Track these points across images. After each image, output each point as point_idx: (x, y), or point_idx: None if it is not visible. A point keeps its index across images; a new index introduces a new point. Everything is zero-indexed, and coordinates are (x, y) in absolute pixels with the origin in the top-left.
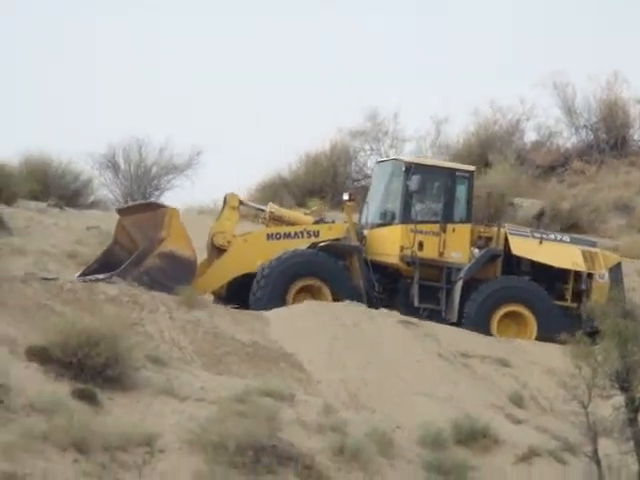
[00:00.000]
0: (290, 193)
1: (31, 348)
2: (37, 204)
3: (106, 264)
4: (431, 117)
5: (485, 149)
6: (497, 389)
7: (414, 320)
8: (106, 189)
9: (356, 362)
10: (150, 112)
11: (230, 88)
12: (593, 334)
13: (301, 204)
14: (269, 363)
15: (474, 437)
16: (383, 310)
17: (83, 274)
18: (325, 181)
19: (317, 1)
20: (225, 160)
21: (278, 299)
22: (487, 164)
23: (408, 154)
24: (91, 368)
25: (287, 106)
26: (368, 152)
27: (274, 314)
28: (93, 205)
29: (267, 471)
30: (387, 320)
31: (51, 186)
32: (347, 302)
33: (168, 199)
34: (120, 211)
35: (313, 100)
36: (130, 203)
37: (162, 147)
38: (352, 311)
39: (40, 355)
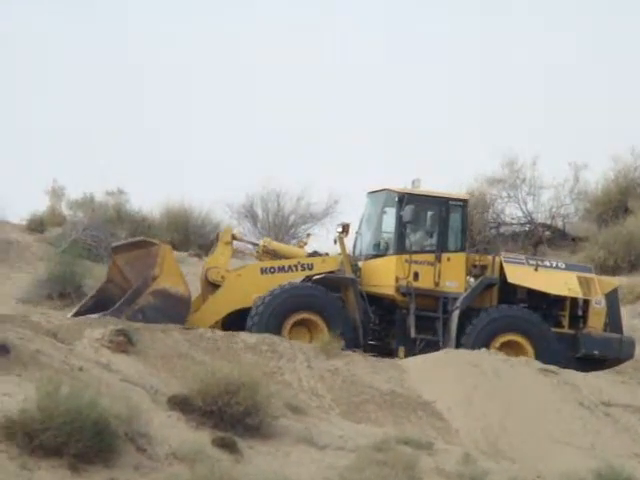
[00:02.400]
0: None
1: (173, 397)
2: (178, 254)
3: (99, 303)
4: (569, 164)
5: (625, 195)
6: None
7: (553, 368)
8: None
9: (495, 411)
10: (288, 161)
11: (363, 136)
12: (588, 360)
13: None
14: (407, 411)
15: None
16: (522, 358)
17: (76, 313)
18: None
19: (446, 51)
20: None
21: (274, 333)
22: (627, 210)
23: (464, 191)
24: (231, 416)
25: (423, 153)
26: (505, 199)
27: (412, 362)
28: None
29: None
30: (526, 368)
31: (191, 236)
32: (483, 350)
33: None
34: (113, 249)
35: (450, 147)
36: (123, 241)
37: (299, 196)
38: (491, 359)
39: (181, 404)
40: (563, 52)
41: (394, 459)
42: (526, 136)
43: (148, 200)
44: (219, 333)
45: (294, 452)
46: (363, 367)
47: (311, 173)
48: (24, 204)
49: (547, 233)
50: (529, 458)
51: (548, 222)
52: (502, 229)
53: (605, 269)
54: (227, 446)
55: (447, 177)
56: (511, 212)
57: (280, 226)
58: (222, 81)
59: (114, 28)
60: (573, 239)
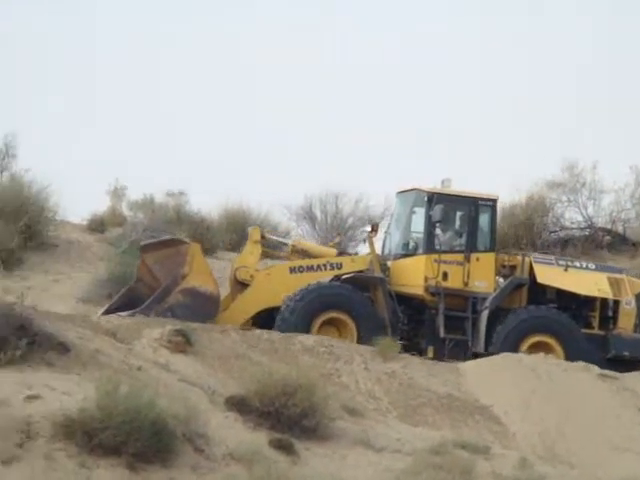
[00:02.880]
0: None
1: (230, 398)
2: (236, 255)
3: (129, 302)
4: (630, 167)
5: None
6: None
7: (612, 373)
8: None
9: (553, 415)
10: (346, 163)
11: (427, 136)
12: (618, 361)
13: None
14: (464, 415)
15: None
16: (580, 363)
17: (106, 312)
18: (520, 232)
19: (496, 50)
20: None
21: (303, 332)
22: None
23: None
24: (288, 418)
25: (481, 157)
26: (565, 204)
27: (468, 366)
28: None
29: None
30: (584, 373)
31: None
32: (542, 355)
33: (364, 250)
34: (142, 248)
35: (508, 150)
36: (151, 240)
37: (358, 199)
38: (548, 364)
39: (239, 405)
40: (627, 53)
41: (451, 463)
42: (587, 140)
43: (207, 201)
44: (276, 334)
45: (351, 454)
46: (420, 370)
47: (370, 175)
48: (85, 204)
49: (607, 238)
50: (587, 464)
51: (608, 227)
52: (562, 233)
53: None
54: (284, 447)
55: (505, 180)
56: (571, 216)
57: (338, 228)
58: (284, 82)
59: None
60: (633, 244)
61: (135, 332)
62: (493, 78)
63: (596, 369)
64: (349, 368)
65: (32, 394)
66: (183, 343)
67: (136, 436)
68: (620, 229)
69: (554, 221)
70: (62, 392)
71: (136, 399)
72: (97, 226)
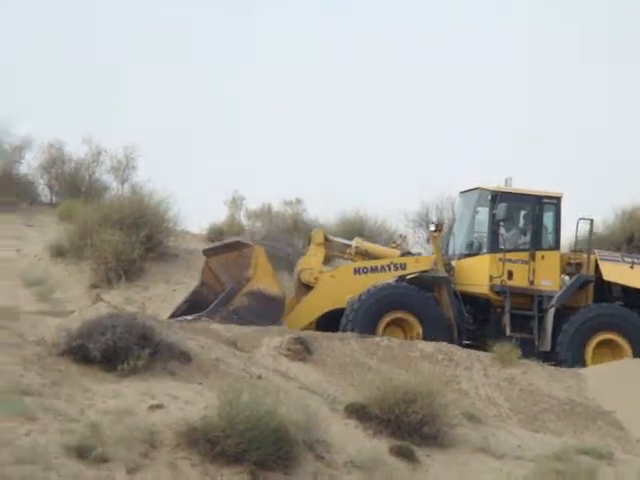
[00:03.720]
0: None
1: (350, 405)
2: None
3: (194, 306)
4: None
5: None
6: None
7: None
8: (419, 247)
9: None
10: (465, 169)
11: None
12: None
13: None
14: (586, 421)
15: None
16: None
17: (172, 315)
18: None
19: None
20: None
21: (368, 333)
22: None
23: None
24: (408, 425)
25: (604, 162)
26: None
27: (590, 371)
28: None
29: None
30: None
31: None
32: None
33: None
34: (206, 252)
35: (631, 154)
36: (215, 244)
37: None
38: None
39: (359, 412)
40: None
41: (574, 469)
42: None
43: (325, 209)
44: (396, 341)
45: (472, 461)
46: (540, 376)
47: (485, 179)
48: (204, 214)
49: None
50: None
51: None
52: None
53: None
54: (404, 455)
55: (627, 186)
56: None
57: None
58: (406, 85)
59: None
60: None
61: (255, 340)
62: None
63: None
64: (468, 374)
65: (155, 403)
66: (302, 351)
67: (258, 444)
68: None
69: None
70: (185, 401)
71: (257, 407)
72: (216, 236)
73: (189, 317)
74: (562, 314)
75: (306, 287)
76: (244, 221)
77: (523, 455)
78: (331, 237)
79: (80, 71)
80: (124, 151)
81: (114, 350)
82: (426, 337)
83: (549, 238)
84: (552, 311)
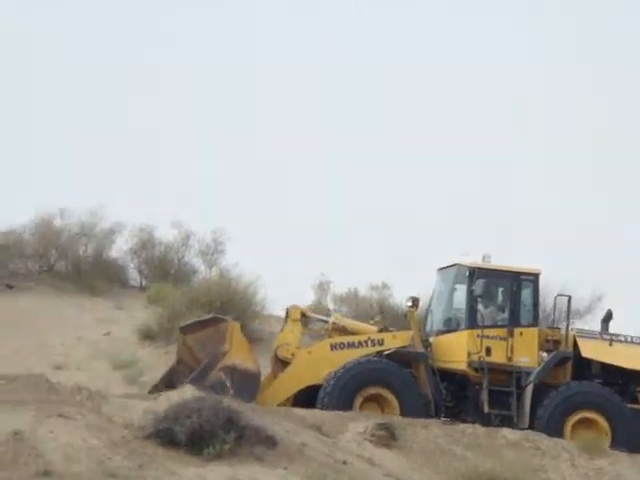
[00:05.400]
0: None
1: None
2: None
3: (170, 383)
4: None
5: None
6: None
7: None
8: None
9: None
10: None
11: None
12: None
13: None
14: None
15: None
16: None
17: (150, 392)
18: None
19: None
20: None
21: (345, 408)
22: None
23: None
24: None
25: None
26: None
27: None
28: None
29: None
30: None
31: None
32: None
33: None
34: (182, 329)
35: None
36: (191, 320)
37: (560, 290)
38: None
39: None
40: None
41: None
42: None
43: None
44: (480, 429)
45: None
46: (629, 467)
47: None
48: (289, 298)
49: None
50: None
51: None
52: None
53: None
54: None
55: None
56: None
57: (545, 320)
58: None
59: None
60: None
61: (340, 426)
62: None
63: None
64: (555, 464)
65: None
66: (387, 437)
67: None
68: None
69: None
70: None
71: None
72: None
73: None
74: (541, 391)
75: (283, 363)
76: (330, 305)
77: None
78: (309, 313)
79: (170, 157)
80: (212, 235)
81: (200, 434)
82: (403, 413)
83: (527, 314)
84: (530, 388)
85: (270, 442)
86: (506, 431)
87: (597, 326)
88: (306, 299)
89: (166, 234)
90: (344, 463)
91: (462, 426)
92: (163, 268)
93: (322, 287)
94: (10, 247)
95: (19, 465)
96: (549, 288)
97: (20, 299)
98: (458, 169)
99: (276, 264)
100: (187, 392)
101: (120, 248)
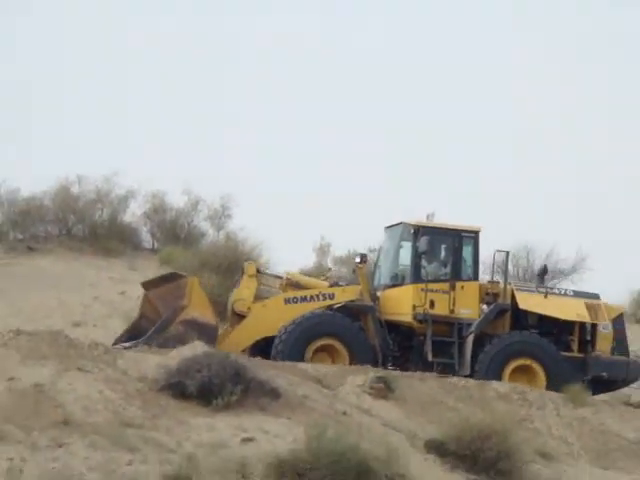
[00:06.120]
0: None
1: (429, 441)
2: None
3: (133, 336)
4: None
5: None
6: None
7: None
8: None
9: None
10: (539, 216)
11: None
12: (598, 382)
13: None
14: None
15: None
16: None
17: (113, 344)
18: None
19: None
20: (611, 267)
21: (297, 359)
22: None
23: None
24: (484, 461)
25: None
26: None
27: None
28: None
29: None
30: None
31: None
32: None
33: None
34: (144, 285)
35: None
36: (153, 277)
37: (549, 252)
38: None
39: (437, 448)
40: None
41: None
42: None
43: None
44: (472, 382)
45: None
46: (611, 416)
47: (561, 228)
48: (293, 260)
49: None
50: None
51: None
52: None
53: None
54: None
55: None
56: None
57: (529, 281)
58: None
59: None
60: None
61: (340, 379)
62: None
63: None
64: (541, 414)
65: (247, 437)
66: (384, 389)
67: (342, 477)
68: None
69: None
70: (274, 435)
71: (341, 442)
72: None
73: (127, 344)
74: (481, 341)
75: (239, 317)
76: (331, 266)
77: None
78: (263, 269)
79: (181, 120)
80: (220, 200)
81: (209, 386)
82: (352, 363)
83: (468, 270)
84: (471, 338)
85: (274, 394)
86: (496, 384)
87: (582, 285)
88: (308, 261)
89: (177, 200)
90: (344, 414)
91: (455, 379)
92: (174, 232)
93: (322, 249)
94: (31, 212)
95: (41, 415)
96: (539, 252)
97: (41, 261)
98: None
99: (280, 228)
100: (197, 348)
101: (134, 213)
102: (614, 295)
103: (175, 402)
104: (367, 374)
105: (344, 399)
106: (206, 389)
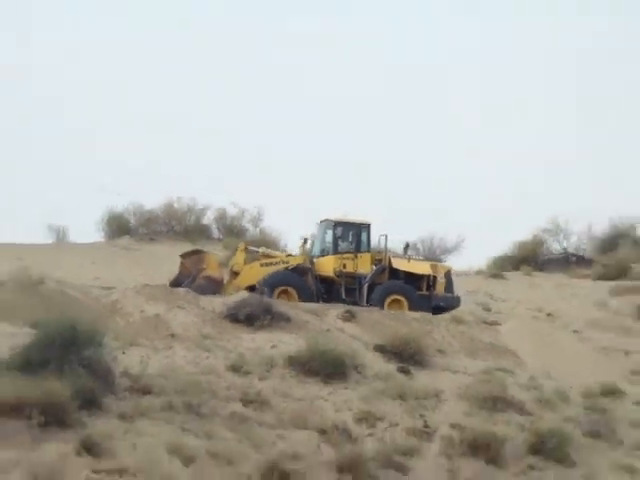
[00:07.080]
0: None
1: (376, 346)
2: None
3: (175, 284)
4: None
5: None
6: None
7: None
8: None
9: (548, 355)
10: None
11: None
12: (438, 308)
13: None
14: (500, 354)
15: (611, 392)
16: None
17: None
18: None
19: None
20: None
21: (269, 297)
22: None
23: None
24: (407, 355)
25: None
26: (552, 240)
27: (504, 328)
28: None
29: (499, 411)
30: (564, 334)
31: None
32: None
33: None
34: (182, 255)
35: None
36: (186, 250)
37: (441, 237)
38: (546, 327)
39: (380, 349)
40: None
41: (493, 379)
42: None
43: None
44: (398, 312)
45: (440, 375)
46: (476, 329)
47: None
48: (290, 229)
49: (573, 258)
50: (566, 378)
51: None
52: (551, 256)
53: None
54: (404, 371)
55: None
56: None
57: (432, 257)
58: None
59: None
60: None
61: (325, 310)
62: None
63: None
64: (438, 330)
65: (273, 344)
66: (350, 317)
67: (327, 365)
68: (581, 253)
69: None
70: (288, 343)
71: (327, 346)
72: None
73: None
74: (371, 287)
75: (235, 274)
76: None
77: (466, 371)
78: (248, 246)
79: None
80: (256, 209)
81: (251, 315)
82: (299, 300)
83: (364, 246)
84: (366, 285)
85: (288, 320)
86: (413, 314)
87: (461, 261)
88: (306, 231)
89: (230, 210)
90: (327, 331)
91: (393, 311)
92: (230, 229)
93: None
94: (151, 218)
95: (158, 331)
96: (436, 237)
97: (156, 246)
98: None
99: (280, 201)
100: (244, 294)
101: (208, 218)
102: (481, 260)
103: (232, 324)
104: (340, 309)
105: (328, 322)
106: (249, 317)
